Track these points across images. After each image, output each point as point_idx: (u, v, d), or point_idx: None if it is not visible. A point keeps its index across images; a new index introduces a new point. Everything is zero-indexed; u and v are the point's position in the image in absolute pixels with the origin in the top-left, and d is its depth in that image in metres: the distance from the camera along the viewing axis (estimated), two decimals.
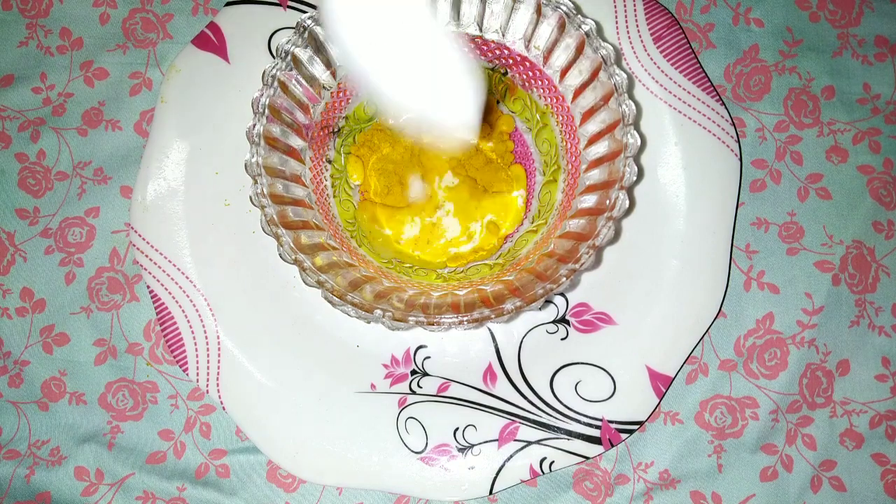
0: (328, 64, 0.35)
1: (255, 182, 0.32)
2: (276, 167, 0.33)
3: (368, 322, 0.31)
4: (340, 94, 0.36)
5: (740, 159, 0.40)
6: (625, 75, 0.32)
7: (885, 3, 0.44)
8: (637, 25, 0.42)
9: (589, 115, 0.33)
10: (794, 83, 0.44)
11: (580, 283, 0.40)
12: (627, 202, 0.31)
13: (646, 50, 0.41)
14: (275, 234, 0.31)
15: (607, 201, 0.31)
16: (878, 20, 0.44)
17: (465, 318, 0.31)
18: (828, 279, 0.42)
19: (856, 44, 0.44)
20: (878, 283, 0.42)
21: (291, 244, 0.31)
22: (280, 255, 0.31)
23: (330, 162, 0.38)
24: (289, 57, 0.33)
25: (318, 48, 0.34)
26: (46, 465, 0.41)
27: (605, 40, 0.32)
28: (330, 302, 0.31)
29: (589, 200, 0.33)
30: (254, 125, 0.32)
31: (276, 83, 0.33)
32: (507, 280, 0.33)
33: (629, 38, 0.42)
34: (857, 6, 0.44)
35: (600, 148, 0.33)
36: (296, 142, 0.34)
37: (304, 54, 0.34)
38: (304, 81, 0.34)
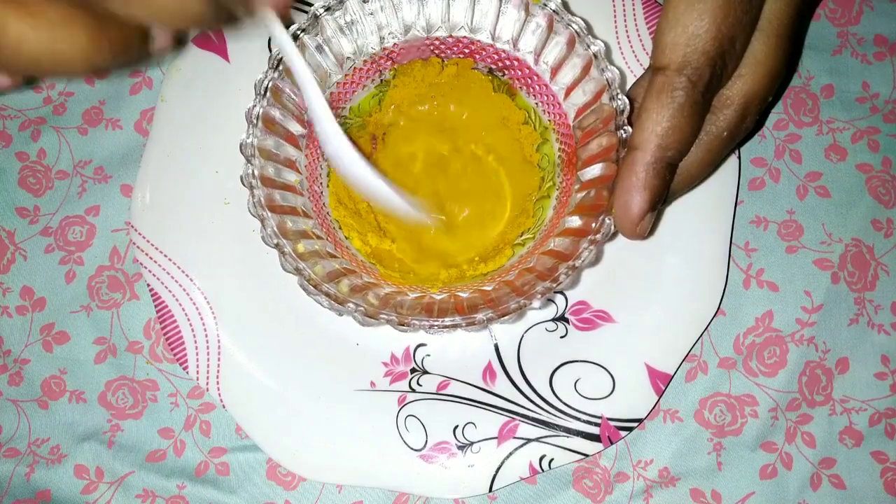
0: (339, 56, 0.35)
1: (248, 163, 0.32)
2: (271, 150, 0.33)
3: (340, 315, 0.31)
4: (347, 85, 0.36)
5: (739, 157, 0.40)
6: (627, 100, 0.32)
7: (885, 2, 0.44)
8: (636, 25, 0.42)
9: (588, 135, 0.33)
10: (793, 81, 0.44)
11: (581, 281, 0.40)
12: (613, 228, 0.31)
13: (644, 49, 0.42)
14: (260, 216, 0.32)
15: (593, 224, 0.31)
16: (878, 19, 0.44)
17: (435, 323, 0.31)
18: (827, 277, 0.42)
19: (855, 42, 0.44)
20: (877, 282, 0.42)
21: (275, 228, 0.32)
22: (262, 237, 0.32)
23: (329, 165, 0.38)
24: (297, 42, 0.33)
25: (328, 39, 0.34)
26: (46, 464, 0.41)
27: (611, 63, 0.33)
28: (305, 290, 0.31)
29: (576, 221, 0.33)
30: (253, 105, 0.33)
31: (281, 66, 0.33)
32: (484, 290, 0.33)
33: (628, 37, 0.42)
34: (857, 5, 0.44)
35: (595, 170, 0.33)
36: (295, 127, 0.35)
37: (311, 42, 0.34)
38: (310, 67, 0.34)
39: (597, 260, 0.39)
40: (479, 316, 0.31)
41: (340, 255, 0.34)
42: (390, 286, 0.34)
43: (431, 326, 0.31)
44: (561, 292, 0.40)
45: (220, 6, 0.21)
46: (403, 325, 0.31)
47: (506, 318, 0.31)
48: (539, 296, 0.31)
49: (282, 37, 0.29)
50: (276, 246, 0.32)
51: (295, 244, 0.32)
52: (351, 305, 0.31)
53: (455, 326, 0.31)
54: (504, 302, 0.31)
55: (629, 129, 0.31)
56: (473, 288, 0.34)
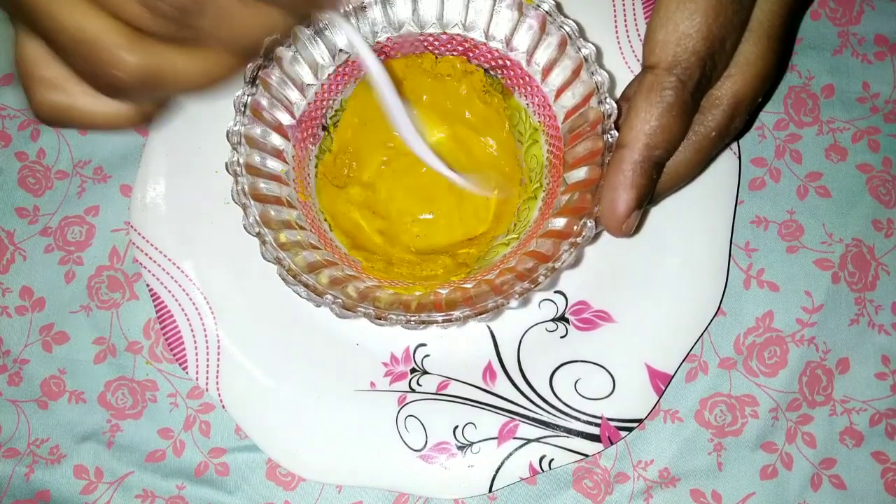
0: (331, 48, 0.35)
1: (234, 151, 0.32)
2: (258, 139, 0.34)
3: (318, 306, 0.32)
4: (339, 77, 0.36)
5: (739, 157, 0.40)
6: (615, 105, 0.32)
7: (885, 1, 0.44)
8: (636, 26, 0.42)
9: (576, 138, 0.34)
10: (793, 81, 0.44)
11: (581, 281, 0.40)
12: (594, 231, 0.31)
13: None
14: (242, 204, 0.32)
15: (575, 227, 0.31)
16: (879, 19, 0.44)
17: (412, 319, 0.31)
18: (827, 277, 0.42)
19: (856, 42, 0.44)
20: (877, 282, 0.42)
21: (257, 217, 0.32)
22: (244, 226, 0.32)
23: (317, 157, 0.38)
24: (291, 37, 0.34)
25: (320, 30, 0.34)
26: (46, 464, 0.41)
27: (602, 67, 0.33)
28: (283, 280, 0.31)
29: (559, 223, 0.33)
30: (242, 93, 0.33)
31: (271, 55, 0.33)
32: (464, 288, 0.34)
33: (628, 37, 0.42)
34: (857, 4, 0.44)
35: (580, 173, 0.33)
36: (283, 117, 0.35)
37: (304, 34, 0.34)
38: (301, 60, 0.35)
39: (576, 262, 0.39)
40: (457, 313, 0.31)
41: (323, 247, 0.35)
42: (371, 280, 0.34)
43: (408, 322, 0.31)
44: (561, 292, 0.40)
45: (297, 14, 0.23)
46: (380, 320, 0.31)
47: (483, 316, 0.31)
48: (517, 296, 0.31)
49: (348, 29, 0.32)
50: (258, 235, 0.32)
51: (277, 234, 0.32)
52: (329, 297, 0.31)
53: (431, 323, 0.31)
54: (482, 300, 0.32)
55: (615, 133, 0.31)
56: (454, 285, 0.34)
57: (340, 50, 0.35)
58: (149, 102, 0.25)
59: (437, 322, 0.31)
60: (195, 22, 0.21)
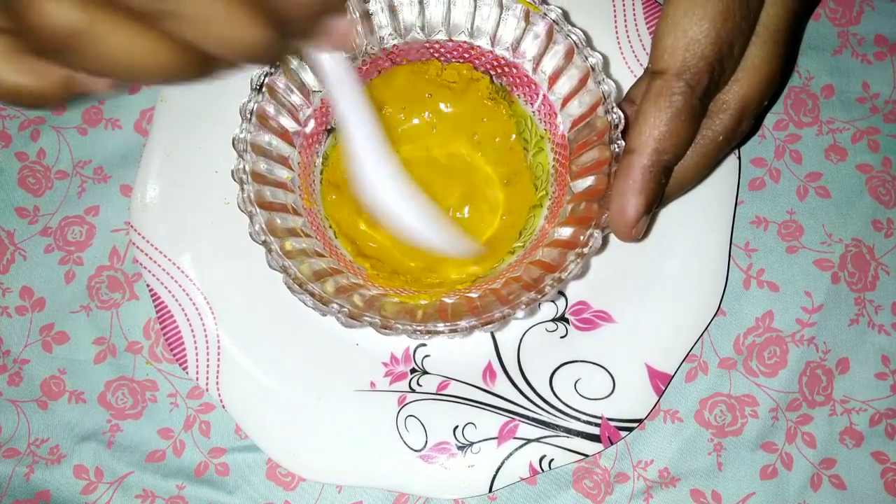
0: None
1: (240, 158, 0.32)
2: (264, 146, 0.34)
3: (324, 315, 0.31)
4: None
5: (739, 158, 0.40)
6: (622, 115, 0.32)
7: (885, 1, 0.44)
8: (636, 26, 0.42)
9: (582, 147, 0.33)
10: (793, 81, 0.44)
11: (581, 282, 0.40)
12: (601, 242, 0.31)
13: (645, 49, 0.41)
14: (248, 212, 0.32)
15: (581, 237, 0.31)
16: (879, 19, 0.44)
17: (418, 329, 0.31)
18: (827, 277, 0.42)
19: (856, 42, 0.44)
20: (877, 282, 0.42)
21: (263, 225, 0.32)
22: (250, 234, 0.32)
23: (322, 158, 0.38)
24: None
25: None
26: (46, 464, 0.41)
27: (608, 76, 0.33)
28: (290, 289, 0.31)
29: (565, 233, 0.33)
30: (248, 101, 0.33)
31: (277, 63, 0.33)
32: (469, 297, 0.33)
33: (628, 38, 0.42)
34: (857, 5, 0.44)
35: (586, 182, 0.33)
36: (289, 124, 0.35)
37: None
38: (307, 66, 0.34)
39: (583, 273, 0.39)
40: (463, 323, 0.31)
41: (328, 255, 0.34)
42: (377, 288, 0.34)
43: (414, 331, 0.31)
44: (561, 292, 0.40)
45: (282, 40, 0.20)
46: (386, 329, 0.31)
47: (489, 326, 0.31)
48: (523, 306, 0.31)
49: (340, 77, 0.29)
50: (264, 243, 0.32)
51: (283, 242, 0.32)
52: (335, 306, 0.31)
53: (438, 333, 0.31)
54: (489, 310, 0.31)
55: (622, 143, 0.31)
56: (460, 294, 0.34)
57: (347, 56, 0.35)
58: (60, 74, 0.21)
59: (442, 332, 0.31)
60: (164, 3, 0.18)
